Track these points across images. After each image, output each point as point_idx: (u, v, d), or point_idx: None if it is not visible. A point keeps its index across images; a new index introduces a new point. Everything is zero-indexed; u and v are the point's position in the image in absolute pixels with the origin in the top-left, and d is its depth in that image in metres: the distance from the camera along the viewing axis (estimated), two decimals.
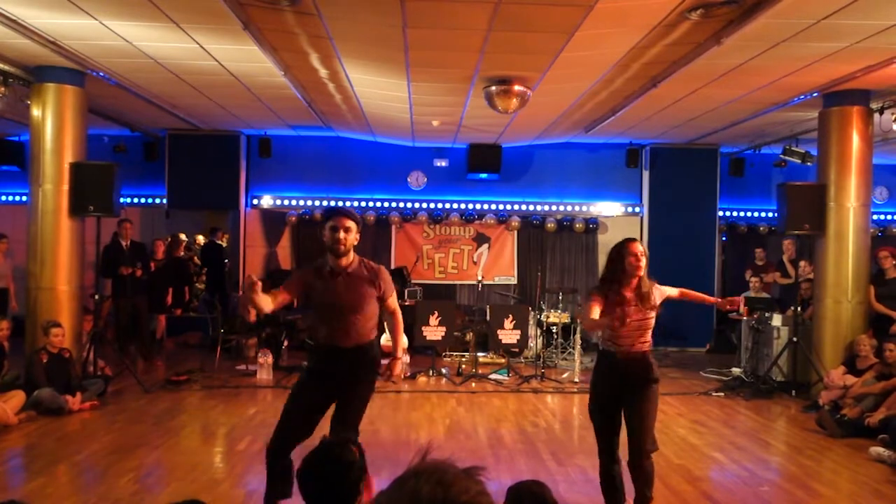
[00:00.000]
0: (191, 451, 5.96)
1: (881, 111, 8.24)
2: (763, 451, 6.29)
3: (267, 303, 3.89)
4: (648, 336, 4.14)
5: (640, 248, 4.11)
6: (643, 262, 4.06)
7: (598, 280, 4.31)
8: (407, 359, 9.12)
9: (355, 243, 4.01)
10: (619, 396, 4.13)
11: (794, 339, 8.48)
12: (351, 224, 3.96)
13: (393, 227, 12.14)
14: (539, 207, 12.29)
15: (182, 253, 12.26)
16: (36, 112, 7.89)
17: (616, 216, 12.36)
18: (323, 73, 7.75)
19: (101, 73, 7.88)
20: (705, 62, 6.76)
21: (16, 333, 7.77)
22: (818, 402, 7.52)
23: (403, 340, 4.40)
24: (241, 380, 8.79)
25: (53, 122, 7.88)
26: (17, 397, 6.70)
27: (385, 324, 4.45)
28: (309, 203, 12.09)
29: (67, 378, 7.23)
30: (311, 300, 4.09)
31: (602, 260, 12.31)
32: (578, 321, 4.35)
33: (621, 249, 4.12)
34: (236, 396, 7.94)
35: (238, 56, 7.14)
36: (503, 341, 9.49)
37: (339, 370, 4.00)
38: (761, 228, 12.48)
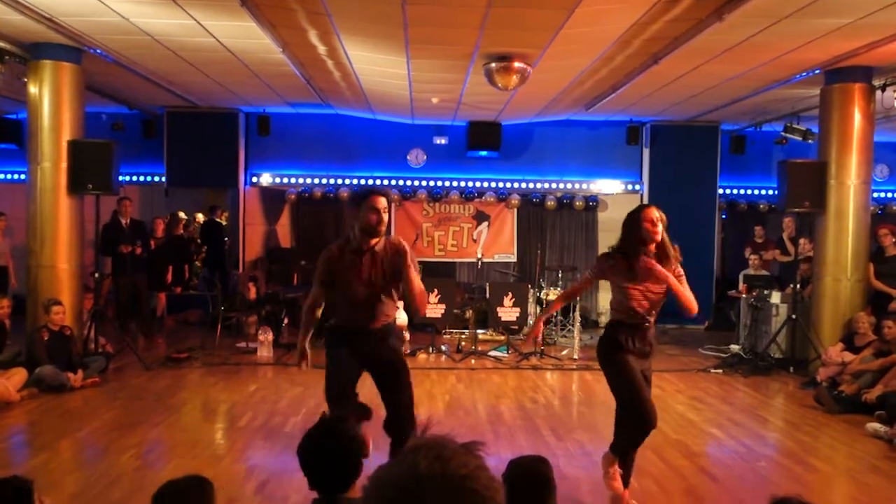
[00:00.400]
0: (192, 428, 6.01)
1: (883, 88, 8.19)
2: (761, 427, 6.33)
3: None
4: (657, 311, 4.08)
5: (657, 214, 3.93)
6: (660, 227, 3.91)
7: (613, 248, 4.06)
8: (407, 336, 9.15)
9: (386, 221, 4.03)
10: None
11: (793, 316, 8.51)
12: (386, 203, 3.97)
13: (392, 205, 12.12)
14: (539, 185, 12.26)
15: (182, 231, 12.26)
16: (33, 89, 7.84)
17: (616, 194, 12.33)
18: (321, 49, 7.69)
19: (99, 51, 7.82)
20: (707, 38, 6.70)
21: (16, 311, 7.79)
22: (816, 379, 7.56)
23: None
24: (242, 357, 8.83)
25: (51, 100, 7.83)
26: (19, 374, 6.73)
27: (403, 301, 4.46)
28: (308, 181, 12.06)
29: (69, 355, 7.26)
30: (335, 279, 4.02)
31: (602, 238, 12.33)
32: (614, 304, 4.20)
33: (636, 216, 3.95)
34: (237, 373, 7.98)
35: (236, 32, 7.08)
36: (503, 319, 9.52)
37: (365, 352, 3.99)
38: (761, 206, 12.46)
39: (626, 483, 4.17)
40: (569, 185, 12.26)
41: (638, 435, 4.06)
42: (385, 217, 3.93)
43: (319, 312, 4.15)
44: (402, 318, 9.23)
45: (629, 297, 3.96)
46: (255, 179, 12.11)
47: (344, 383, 4.03)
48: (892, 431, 5.71)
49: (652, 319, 4.06)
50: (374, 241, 3.96)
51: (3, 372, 6.66)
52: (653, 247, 3.94)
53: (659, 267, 3.86)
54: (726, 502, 4.46)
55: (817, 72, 8.12)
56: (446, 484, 0.99)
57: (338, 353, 4.06)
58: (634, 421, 4.01)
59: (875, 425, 5.98)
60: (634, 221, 3.94)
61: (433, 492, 0.98)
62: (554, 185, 12.27)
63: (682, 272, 4.07)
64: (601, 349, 4.15)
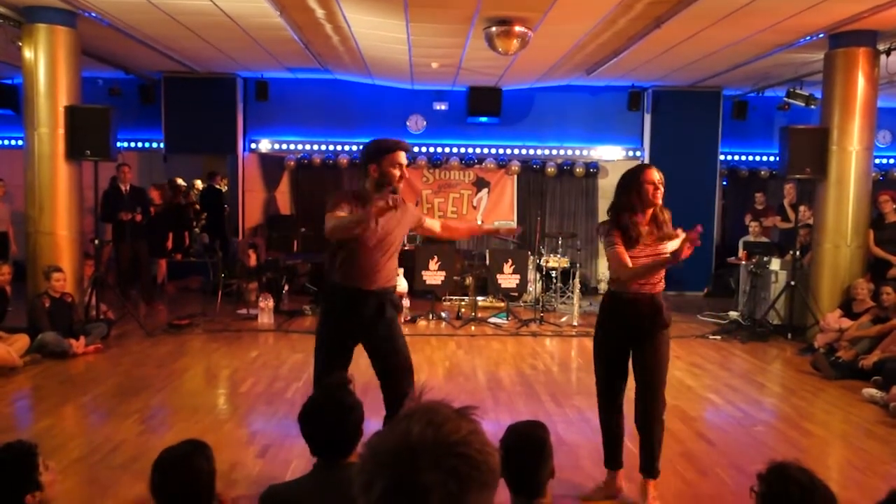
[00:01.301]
0: (194, 393, 6.06)
1: (888, 53, 8.10)
2: (758, 392, 6.39)
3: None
4: (660, 276, 3.73)
5: (658, 176, 3.66)
6: (661, 191, 3.65)
7: (611, 212, 3.78)
8: (407, 302, 9.19)
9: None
10: (626, 343, 3.78)
11: (792, 283, 8.53)
12: (405, 157, 3.68)
13: None
14: (539, 151, 12.19)
15: (180, 198, 12.23)
16: (28, 54, 7.76)
17: (617, 160, 12.27)
18: (320, 13, 7.59)
19: (94, 14, 7.71)
20: (710, 2, 6.61)
21: (17, 278, 7.81)
22: (814, 345, 7.61)
23: (487, 227, 4.03)
24: (243, 324, 8.87)
25: (46, 65, 7.75)
26: (22, 340, 6.77)
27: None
28: (307, 147, 11.99)
29: (70, 322, 7.30)
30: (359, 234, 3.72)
31: (602, 204, 12.30)
32: (612, 274, 3.79)
33: (637, 176, 3.66)
34: (238, 340, 8.03)
35: None
36: (502, 285, 9.55)
37: (367, 315, 3.70)
38: (762, 173, 12.41)
39: (616, 464, 3.99)
40: (569, 152, 12.20)
41: (606, 420, 3.91)
42: (404, 172, 3.65)
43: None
44: (401, 284, 9.27)
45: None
46: (253, 146, 12.04)
47: (334, 366, 3.74)
48: (887, 396, 5.76)
49: (651, 289, 3.71)
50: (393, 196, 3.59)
51: (6, 337, 6.70)
52: (649, 211, 3.68)
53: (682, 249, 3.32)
54: (723, 466, 4.52)
55: (821, 36, 8.02)
56: (438, 449, 0.99)
57: (331, 324, 3.79)
58: (600, 407, 3.94)
59: (871, 391, 6.03)
60: (634, 182, 3.66)
61: (425, 457, 0.98)
62: (554, 152, 12.20)
63: (679, 233, 3.73)
64: (596, 321, 3.97)
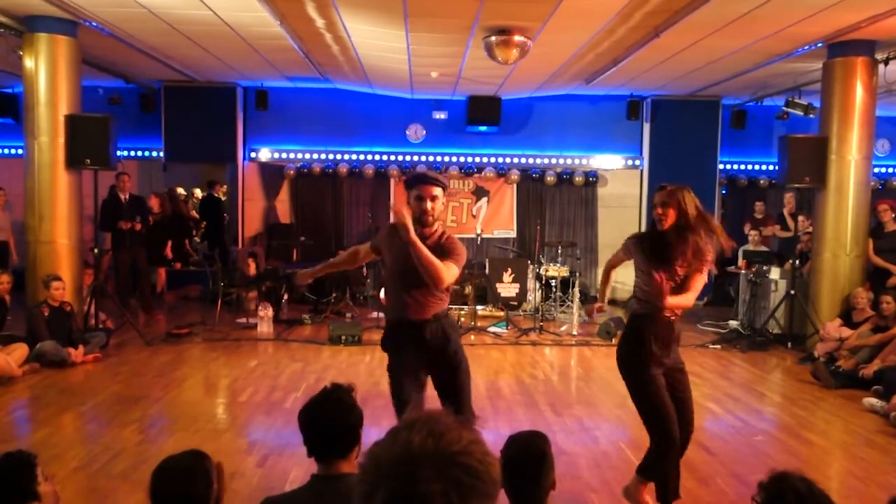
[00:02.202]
0: (193, 403, 6.05)
1: (886, 62, 8.13)
2: (758, 401, 6.38)
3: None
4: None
5: (659, 198, 3.65)
6: (671, 212, 3.60)
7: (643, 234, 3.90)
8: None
9: (442, 210, 3.69)
10: (664, 366, 3.74)
11: (792, 291, 8.52)
12: (438, 192, 3.63)
13: (392, 181, 12.07)
14: (538, 160, 12.21)
15: (180, 208, 12.24)
16: (29, 63, 7.78)
17: (616, 169, 12.28)
18: (319, 23, 7.61)
19: (94, 23, 7.74)
20: (709, 11, 6.63)
21: (16, 287, 7.80)
22: (814, 354, 7.60)
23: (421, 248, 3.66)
24: (242, 333, 8.86)
25: (47, 74, 7.77)
26: (20, 349, 6.76)
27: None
28: (307, 156, 12.00)
29: (69, 331, 7.28)
30: (384, 263, 3.82)
31: (602, 214, 12.31)
32: (653, 300, 3.63)
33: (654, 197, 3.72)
34: (237, 349, 8.02)
35: (233, 5, 7.00)
36: (502, 294, 9.55)
37: (416, 346, 3.64)
38: (761, 181, 12.42)
39: (675, 495, 3.87)
40: (568, 161, 12.21)
41: (667, 460, 3.75)
42: (430, 206, 3.59)
43: (353, 263, 3.94)
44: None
45: (649, 282, 3.62)
46: (253, 154, 12.05)
47: (409, 391, 3.61)
48: (888, 406, 5.75)
49: (670, 311, 3.71)
50: (427, 231, 3.63)
51: (4, 347, 6.68)
52: (669, 231, 3.63)
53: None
54: (723, 476, 4.51)
55: (819, 45, 8.05)
56: (439, 459, 0.99)
57: (396, 355, 3.72)
58: (660, 445, 3.71)
59: (871, 400, 6.02)
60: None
61: (427, 467, 0.98)
62: (554, 161, 12.22)
63: (698, 277, 3.68)
64: (624, 351, 3.79)
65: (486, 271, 9.92)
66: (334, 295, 10.49)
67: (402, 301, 3.64)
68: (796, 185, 8.52)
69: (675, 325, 3.79)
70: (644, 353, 3.68)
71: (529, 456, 2.49)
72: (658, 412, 3.68)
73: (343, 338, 8.22)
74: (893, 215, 8.36)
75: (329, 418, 2.36)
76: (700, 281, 3.69)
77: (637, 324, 3.76)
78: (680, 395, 3.77)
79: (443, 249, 3.62)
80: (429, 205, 3.60)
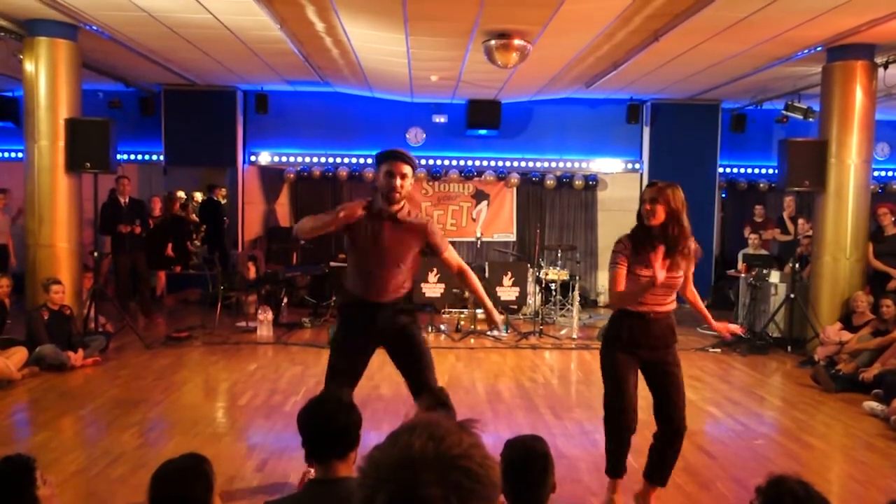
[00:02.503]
0: (193, 406, 6.04)
1: (885, 66, 8.14)
2: (758, 405, 6.37)
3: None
4: (674, 296, 3.77)
5: (649, 194, 3.65)
6: (659, 209, 3.60)
7: (630, 231, 3.78)
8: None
9: (409, 190, 3.76)
10: (637, 361, 3.76)
11: (792, 295, 8.52)
12: (408, 169, 3.69)
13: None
14: (538, 164, 12.21)
15: (179, 209, 12.23)
16: (29, 67, 7.78)
17: (616, 173, 12.29)
18: (320, 26, 7.62)
19: (95, 27, 7.75)
20: (709, 15, 6.64)
21: (16, 290, 7.80)
22: (814, 358, 7.60)
23: (487, 301, 4.02)
24: (242, 336, 8.85)
25: (47, 77, 7.78)
26: (20, 353, 6.75)
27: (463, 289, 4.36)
28: (307, 160, 12.01)
29: (68, 335, 7.28)
30: (352, 240, 3.84)
31: (602, 217, 12.32)
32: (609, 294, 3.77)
33: (642, 194, 3.70)
34: (237, 352, 8.01)
35: (233, 9, 7.01)
36: (502, 298, 9.53)
37: (376, 327, 3.79)
38: (761, 185, 12.43)
39: (661, 481, 3.89)
40: (568, 164, 12.22)
41: (608, 436, 3.82)
42: (399, 182, 3.66)
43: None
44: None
45: (636, 282, 3.63)
46: (253, 158, 12.06)
47: (353, 362, 3.83)
48: (888, 410, 5.74)
49: (663, 308, 3.72)
50: (395, 207, 3.72)
51: (3, 350, 6.67)
52: (656, 228, 3.63)
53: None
54: (723, 480, 4.50)
55: (819, 49, 8.06)
56: (439, 463, 0.99)
57: (347, 330, 3.91)
58: (610, 424, 3.80)
59: (871, 403, 6.01)
60: (640, 199, 3.71)
61: (426, 471, 0.98)
62: (553, 164, 12.22)
63: (694, 294, 3.88)
64: (602, 342, 3.91)
65: (486, 275, 9.90)
66: (334, 298, 10.48)
67: (367, 281, 3.83)
68: (796, 189, 8.53)
69: (655, 322, 3.70)
70: (611, 335, 3.80)
71: (529, 459, 2.49)
72: (608, 388, 3.79)
73: None
74: (893, 219, 8.37)
75: (328, 419, 2.37)
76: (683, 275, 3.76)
77: (613, 318, 3.85)
78: (665, 390, 3.77)
79: (420, 230, 3.78)
80: (398, 181, 3.67)
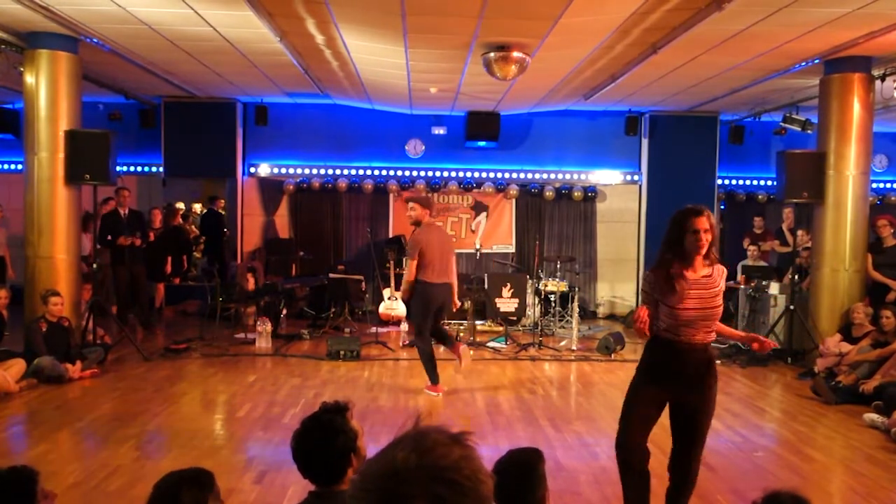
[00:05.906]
0: (191, 418, 6.02)
1: (883, 78, 8.17)
2: (758, 417, 6.35)
3: None
4: (713, 326, 3.54)
5: (706, 224, 3.38)
6: (709, 238, 3.39)
7: (657, 258, 3.58)
8: (405, 326, 9.15)
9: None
10: (671, 392, 3.57)
11: (791, 307, 8.51)
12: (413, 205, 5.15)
13: (391, 196, 12.10)
14: (537, 176, 12.23)
15: (180, 221, 12.24)
16: (29, 79, 7.81)
17: (615, 185, 12.31)
18: (319, 39, 7.65)
19: (95, 40, 7.78)
20: (706, 28, 6.67)
21: (14, 302, 7.79)
22: (813, 370, 7.58)
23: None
24: (241, 348, 8.83)
25: (47, 90, 7.80)
26: (18, 365, 6.73)
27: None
28: (306, 171, 12.02)
29: (67, 346, 7.26)
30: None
31: (600, 229, 12.32)
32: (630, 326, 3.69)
33: (682, 223, 3.40)
34: (235, 364, 7.99)
35: (233, 22, 7.04)
36: (501, 309, 9.54)
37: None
38: (760, 197, 12.45)
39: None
40: (567, 176, 12.24)
41: (621, 476, 3.65)
42: (408, 214, 4.11)
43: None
44: (399, 309, 9.25)
45: (674, 315, 3.45)
46: (253, 170, 12.07)
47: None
48: (888, 421, 5.73)
49: (700, 339, 3.49)
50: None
51: (1, 363, 6.65)
52: (697, 260, 3.45)
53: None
54: (723, 492, 4.48)
55: (817, 61, 8.10)
56: (424, 474, 0.99)
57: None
58: (616, 456, 3.67)
59: (872, 415, 6.00)
60: (679, 229, 3.43)
61: (408, 483, 0.98)
62: (552, 176, 12.24)
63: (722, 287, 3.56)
64: (636, 370, 3.73)
65: (485, 286, 9.91)
66: (333, 310, 10.47)
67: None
68: (795, 201, 8.54)
69: (696, 356, 3.51)
70: (643, 364, 3.68)
71: (517, 470, 2.47)
72: (623, 414, 3.67)
73: (342, 353, 8.19)
74: (892, 230, 8.38)
75: (317, 448, 2.34)
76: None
77: (648, 345, 3.67)
78: (683, 438, 3.63)
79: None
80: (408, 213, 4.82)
